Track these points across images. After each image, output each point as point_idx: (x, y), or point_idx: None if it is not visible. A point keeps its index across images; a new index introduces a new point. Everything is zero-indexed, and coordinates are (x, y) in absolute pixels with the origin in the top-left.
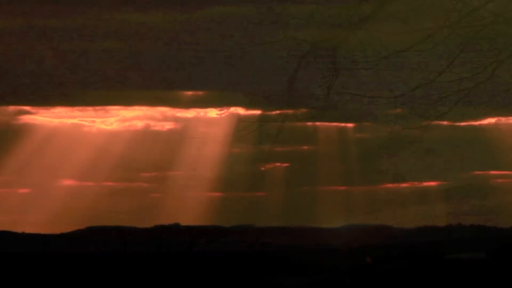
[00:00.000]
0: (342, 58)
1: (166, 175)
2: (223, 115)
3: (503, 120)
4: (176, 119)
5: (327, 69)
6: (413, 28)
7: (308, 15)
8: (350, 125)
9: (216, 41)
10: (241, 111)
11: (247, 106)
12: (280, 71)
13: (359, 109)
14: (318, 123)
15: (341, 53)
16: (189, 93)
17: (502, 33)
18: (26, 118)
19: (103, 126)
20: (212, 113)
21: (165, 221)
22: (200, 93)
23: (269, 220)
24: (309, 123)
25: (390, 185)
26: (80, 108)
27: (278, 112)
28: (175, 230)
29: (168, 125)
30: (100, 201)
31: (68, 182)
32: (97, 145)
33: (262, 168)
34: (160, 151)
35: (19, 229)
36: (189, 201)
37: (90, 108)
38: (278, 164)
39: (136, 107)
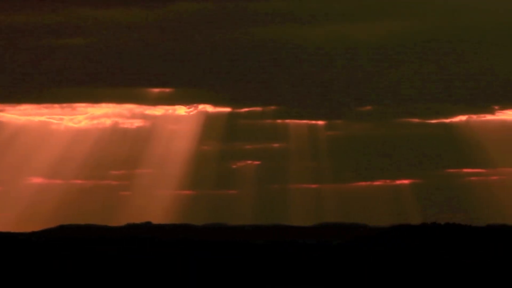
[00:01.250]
0: (308, 55)
1: (135, 173)
2: (191, 113)
3: (474, 117)
4: (144, 117)
5: (294, 66)
6: (378, 25)
7: (271, 11)
8: (320, 122)
9: (181, 38)
10: (209, 108)
11: (216, 103)
12: (248, 68)
13: (329, 106)
14: (288, 121)
15: (306, 49)
16: (157, 90)
17: (467, 27)
18: None
19: (71, 124)
20: (181, 110)
21: (137, 219)
22: (168, 90)
23: (241, 219)
24: (279, 121)
25: (362, 183)
26: (47, 105)
27: (247, 109)
28: (147, 228)
29: (136, 123)
30: (70, 199)
31: (36, 180)
32: (65, 143)
33: (234, 166)
34: (129, 149)
35: None
36: (160, 199)
37: (56, 105)
38: (249, 161)
39: (103, 104)
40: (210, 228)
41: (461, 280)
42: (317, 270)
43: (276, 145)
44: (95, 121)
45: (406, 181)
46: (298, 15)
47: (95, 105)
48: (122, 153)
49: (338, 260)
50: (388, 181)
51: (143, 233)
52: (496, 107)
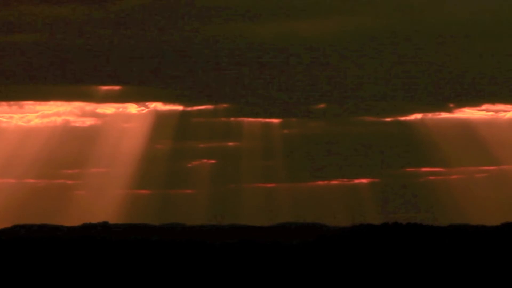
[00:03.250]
0: (261, 52)
1: (89, 172)
2: (143, 111)
3: (430, 115)
4: (96, 115)
5: (247, 63)
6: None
7: (223, 7)
8: (275, 120)
9: (130, 35)
10: (160, 106)
11: (166, 101)
12: (199, 65)
13: (285, 104)
14: (242, 119)
15: (259, 46)
16: (106, 88)
17: (422, 25)
18: None
19: (21, 123)
20: (132, 108)
21: (93, 219)
22: (117, 88)
23: (198, 219)
24: (233, 119)
25: (320, 182)
26: None
27: (199, 107)
28: (104, 228)
29: (88, 121)
30: (23, 198)
31: None
32: (16, 142)
33: (189, 165)
34: (81, 148)
35: None
36: (116, 199)
37: (4, 103)
38: (204, 160)
39: (52, 102)
40: (168, 228)
41: (424, 279)
42: (280, 271)
43: (231, 143)
44: (45, 120)
45: (364, 180)
46: (250, 11)
47: (44, 103)
48: (74, 152)
49: (301, 260)
50: (345, 180)
51: (100, 233)
52: (452, 105)
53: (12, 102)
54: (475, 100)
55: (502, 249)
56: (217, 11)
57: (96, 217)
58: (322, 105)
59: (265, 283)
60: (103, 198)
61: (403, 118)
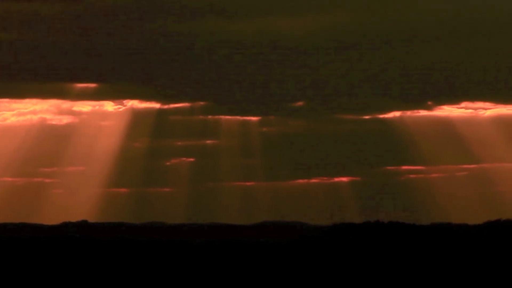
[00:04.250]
0: (243, 50)
1: (67, 171)
2: (120, 109)
3: (409, 113)
4: (72, 113)
5: (223, 61)
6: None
7: (201, 5)
8: (254, 118)
9: (106, 32)
10: (137, 104)
11: (143, 98)
12: (178, 62)
13: (264, 102)
14: (220, 117)
15: (236, 43)
16: (82, 85)
17: (400, 22)
18: None
19: None
20: (108, 106)
21: (72, 218)
22: (93, 85)
23: (178, 217)
24: (211, 117)
25: (299, 181)
26: None
27: (176, 105)
28: (84, 227)
29: (65, 119)
30: (1, 197)
31: None
32: None
33: (167, 163)
34: (59, 146)
35: None
36: (95, 198)
37: None
38: (183, 158)
39: (28, 100)
40: (149, 227)
41: (407, 278)
42: (261, 270)
43: (209, 141)
44: (21, 118)
45: (344, 179)
46: (229, 8)
47: (19, 100)
48: (52, 150)
49: (282, 259)
50: (325, 178)
51: (80, 232)
52: (430, 103)
53: None
54: (454, 97)
55: (486, 248)
56: (195, 8)
57: (74, 216)
58: (301, 103)
59: (246, 282)
60: (81, 197)
61: (382, 116)
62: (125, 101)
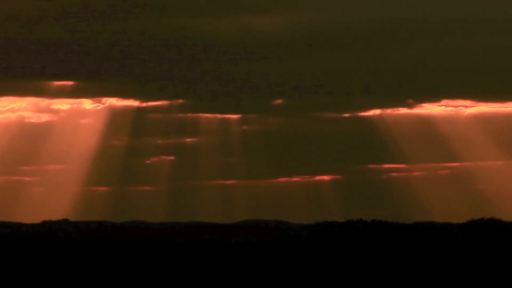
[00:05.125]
0: (223, 48)
1: (47, 169)
2: (98, 107)
3: (389, 111)
4: (51, 111)
5: (208, 59)
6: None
7: (179, 3)
8: (234, 116)
9: (85, 30)
10: (116, 101)
11: (121, 96)
12: (156, 60)
13: (244, 100)
14: (201, 115)
15: (215, 42)
16: (61, 83)
17: (380, 20)
18: None
19: None
20: (87, 104)
21: (53, 216)
22: (72, 83)
23: (159, 216)
24: (191, 115)
25: (281, 179)
26: None
27: (154, 103)
28: (65, 225)
29: (44, 117)
30: None
31: None
32: None
33: (148, 162)
34: (38, 144)
35: None
36: (75, 196)
37: None
38: (163, 157)
39: (5, 98)
40: (130, 226)
41: (392, 278)
42: (244, 269)
43: (189, 140)
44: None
45: (325, 177)
46: (207, 6)
47: None
48: (31, 149)
49: (266, 258)
50: (306, 177)
51: (61, 231)
52: (411, 101)
53: None
54: (434, 95)
55: (470, 247)
56: (175, 7)
57: (55, 214)
58: (281, 101)
59: (229, 282)
60: (61, 195)
61: (362, 114)
62: (103, 99)
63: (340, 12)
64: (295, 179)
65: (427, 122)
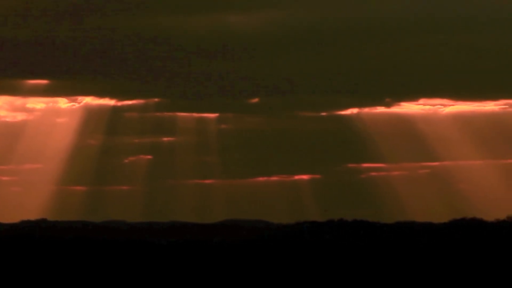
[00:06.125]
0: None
1: (24, 168)
2: (74, 106)
3: (366, 110)
4: (27, 110)
5: (185, 58)
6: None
7: (153, 2)
8: (211, 115)
9: (61, 28)
10: (91, 100)
11: (97, 95)
12: (132, 59)
13: (222, 98)
14: (178, 114)
15: (198, 41)
16: (35, 81)
17: (356, 19)
18: None
19: None
20: (62, 103)
21: (31, 216)
22: (46, 82)
23: (137, 215)
24: (168, 113)
25: (260, 179)
26: None
27: (130, 102)
28: (43, 225)
29: (19, 116)
30: None
31: None
32: None
33: (125, 161)
34: (14, 143)
35: None
36: (53, 195)
37: None
38: (141, 156)
39: None
40: (108, 226)
41: (374, 277)
42: (223, 269)
43: (166, 139)
44: None
45: (305, 177)
46: (184, 5)
47: None
48: (7, 148)
49: (246, 257)
50: (285, 176)
51: (39, 230)
52: (388, 99)
53: None
54: (412, 94)
55: (452, 247)
56: (150, 5)
57: (33, 214)
58: (258, 100)
59: (210, 281)
60: (39, 195)
61: (340, 113)
62: (79, 98)
63: (318, 11)
64: (274, 178)
65: (405, 121)
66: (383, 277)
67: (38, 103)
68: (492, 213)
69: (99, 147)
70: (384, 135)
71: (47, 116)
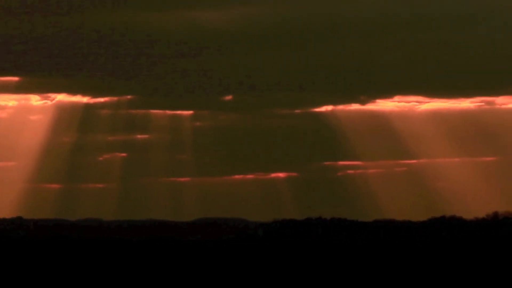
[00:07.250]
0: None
1: None
2: (47, 104)
3: (341, 107)
4: None
5: (159, 55)
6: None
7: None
8: (186, 112)
9: (32, 24)
10: (64, 98)
11: (69, 92)
12: (103, 56)
13: (196, 96)
14: (151, 111)
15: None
16: (6, 79)
17: (332, 16)
18: None
19: None
20: (35, 100)
21: (6, 214)
22: (18, 79)
23: (112, 213)
24: (141, 111)
25: (235, 176)
26: None
27: (103, 99)
28: (18, 223)
29: None
30: None
31: None
32: None
33: (99, 159)
34: None
35: None
36: (28, 193)
37: None
38: (115, 153)
39: None
40: (85, 224)
41: (355, 275)
42: (202, 268)
43: (140, 136)
44: None
45: (281, 174)
46: (155, 3)
47: None
48: None
49: (223, 256)
50: (261, 174)
51: (15, 229)
52: (363, 97)
53: None
54: (386, 91)
55: (432, 245)
56: (122, 1)
57: (8, 212)
58: (232, 97)
59: (187, 280)
60: (13, 193)
61: (314, 110)
62: (51, 95)
63: (292, 8)
64: (250, 176)
65: (381, 118)
66: (363, 275)
67: (10, 100)
68: (471, 211)
69: (72, 145)
70: (360, 132)
71: (19, 114)
